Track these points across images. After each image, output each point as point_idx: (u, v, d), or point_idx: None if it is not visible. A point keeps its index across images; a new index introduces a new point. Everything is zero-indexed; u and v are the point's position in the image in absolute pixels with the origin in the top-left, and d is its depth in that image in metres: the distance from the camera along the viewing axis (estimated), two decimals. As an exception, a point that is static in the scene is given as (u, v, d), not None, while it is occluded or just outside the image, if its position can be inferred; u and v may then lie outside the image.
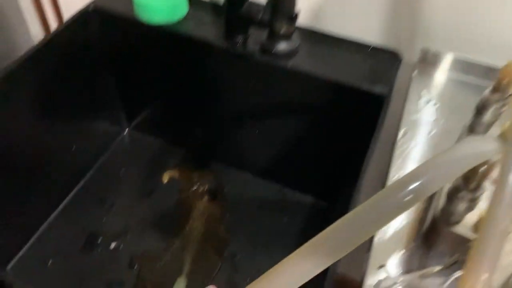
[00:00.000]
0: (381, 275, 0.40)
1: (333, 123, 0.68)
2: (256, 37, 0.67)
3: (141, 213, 0.77)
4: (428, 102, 0.60)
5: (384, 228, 0.47)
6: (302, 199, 0.82)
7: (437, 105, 0.59)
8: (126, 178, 0.83)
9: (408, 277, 0.40)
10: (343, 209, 0.72)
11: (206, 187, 0.82)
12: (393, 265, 0.42)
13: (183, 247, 0.74)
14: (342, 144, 0.69)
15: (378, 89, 0.61)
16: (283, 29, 0.47)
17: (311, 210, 0.80)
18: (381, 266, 0.42)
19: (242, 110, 0.76)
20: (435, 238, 0.44)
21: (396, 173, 0.51)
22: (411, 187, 0.26)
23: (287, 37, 0.49)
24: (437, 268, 0.42)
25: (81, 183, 0.81)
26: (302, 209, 0.81)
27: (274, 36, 0.49)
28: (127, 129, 0.90)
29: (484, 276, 0.25)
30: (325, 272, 0.42)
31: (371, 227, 0.26)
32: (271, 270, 0.27)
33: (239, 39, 0.65)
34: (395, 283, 0.40)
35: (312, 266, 0.26)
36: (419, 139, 0.55)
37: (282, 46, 0.49)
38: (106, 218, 0.77)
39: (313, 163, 0.76)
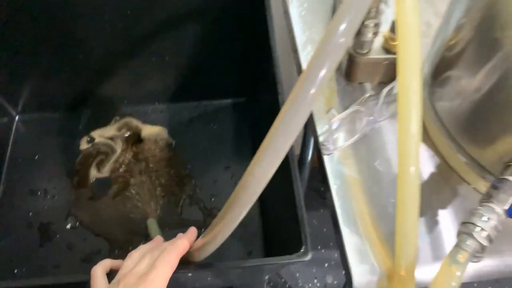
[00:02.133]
0: (330, 116, 0.45)
1: (225, 21, 0.69)
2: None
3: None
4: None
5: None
6: (222, 104, 0.84)
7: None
8: (45, 163, 0.78)
9: (351, 109, 0.46)
10: (266, 96, 0.77)
11: (128, 134, 0.80)
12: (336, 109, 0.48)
13: (138, 195, 0.74)
14: (241, 38, 0.71)
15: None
16: None
17: (234, 110, 0.84)
18: (328, 110, 0.47)
19: (128, 41, 0.73)
20: (355, 70, 0.49)
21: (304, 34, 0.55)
22: (342, 27, 0.30)
23: None
24: (367, 95, 0.49)
25: (1, 181, 0.75)
26: (226, 112, 0.84)
27: None
28: (17, 116, 0.82)
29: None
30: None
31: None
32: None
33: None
34: (343, 119, 0.46)
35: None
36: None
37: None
38: (47, 205, 0.73)
39: (221, 67, 0.77)
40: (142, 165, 0.77)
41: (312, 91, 0.31)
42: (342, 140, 0.47)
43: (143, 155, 0.78)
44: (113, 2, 0.64)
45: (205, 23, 0.71)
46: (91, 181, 0.75)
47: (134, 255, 0.42)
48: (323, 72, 0.31)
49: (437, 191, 0.44)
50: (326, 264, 1.17)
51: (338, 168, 0.46)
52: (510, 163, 0.39)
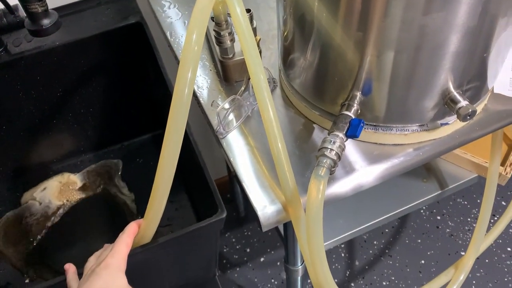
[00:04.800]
0: (215, 108, 0.59)
1: (123, 69, 0.82)
2: (14, 39, 0.75)
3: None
4: (169, 6, 0.78)
5: (202, 88, 0.65)
6: (142, 140, 0.96)
7: (176, 5, 0.78)
8: None
9: (229, 99, 0.60)
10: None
11: (62, 188, 0.89)
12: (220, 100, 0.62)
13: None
14: (141, 80, 0.84)
15: (132, 19, 0.77)
16: (39, 8, 0.56)
17: (154, 142, 0.95)
18: (212, 103, 0.61)
19: (43, 104, 0.83)
20: (228, 72, 0.64)
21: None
22: (193, 38, 0.43)
23: (46, 13, 0.58)
24: (242, 87, 0.63)
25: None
26: (148, 146, 0.95)
27: (36, 19, 0.58)
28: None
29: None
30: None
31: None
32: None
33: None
34: (227, 108, 0.60)
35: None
36: (181, 31, 0.73)
37: (47, 21, 0.59)
38: (2, 269, 0.79)
39: (132, 109, 0.89)
40: (80, 209, 0.85)
41: (186, 90, 0.45)
42: (233, 124, 0.61)
43: (78, 200, 0.87)
44: (23, 70, 0.75)
45: (106, 74, 0.83)
46: (42, 235, 0.82)
47: (91, 257, 0.51)
48: (189, 74, 0.44)
49: (305, 141, 0.59)
50: (278, 263, 1.28)
51: (231, 145, 0.59)
52: (344, 103, 0.54)
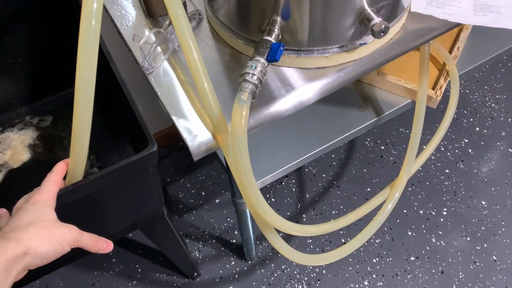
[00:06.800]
0: (137, 42, 0.58)
1: (49, 15, 0.78)
2: None
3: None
4: None
5: (126, 25, 0.64)
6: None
7: None
8: None
9: (152, 31, 0.59)
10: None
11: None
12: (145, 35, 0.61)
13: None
14: (71, 22, 0.81)
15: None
16: None
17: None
18: (133, 37, 0.60)
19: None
20: (150, 6, 0.63)
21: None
22: None
23: None
24: (167, 21, 0.62)
25: None
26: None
27: None
28: None
29: None
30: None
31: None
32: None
33: None
34: (152, 43, 0.59)
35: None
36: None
37: None
38: None
39: (65, 56, 0.85)
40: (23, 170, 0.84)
41: (93, 22, 0.43)
42: (160, 59, 0.60)
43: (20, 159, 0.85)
44: None
45: (30, 20, 0.79)
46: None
47: (20, 200, 0.51)
48: (95, 5, 0.43)
49: (233, 70, 0.59)
50: (233, 203, 1.32)
51: (160, 79, 0.59)
52: (265, 29, 0.55)
